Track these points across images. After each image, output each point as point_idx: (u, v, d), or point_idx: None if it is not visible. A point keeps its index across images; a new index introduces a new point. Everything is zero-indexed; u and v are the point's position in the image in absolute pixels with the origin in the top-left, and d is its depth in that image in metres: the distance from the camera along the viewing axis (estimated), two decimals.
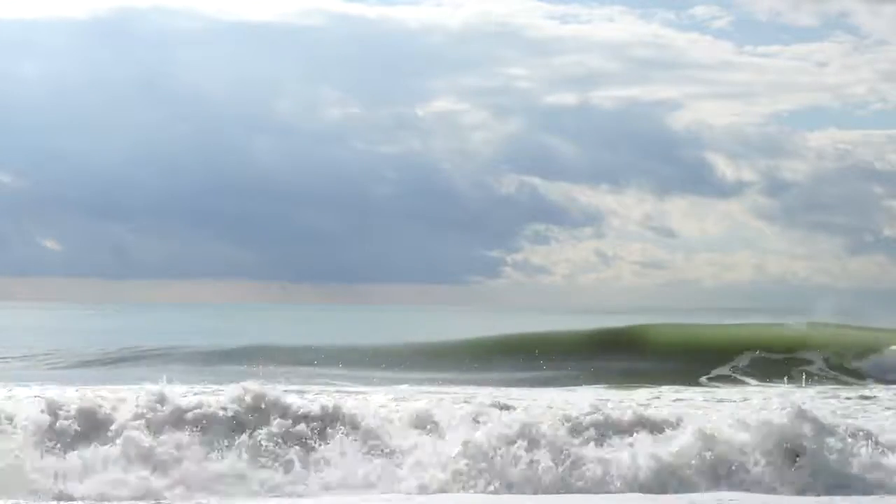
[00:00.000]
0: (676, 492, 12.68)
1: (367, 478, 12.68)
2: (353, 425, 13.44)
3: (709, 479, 12.94)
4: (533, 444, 13.00)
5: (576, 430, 13.53)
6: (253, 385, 13.76)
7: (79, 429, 12.97)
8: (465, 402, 16.44)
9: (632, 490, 12.69)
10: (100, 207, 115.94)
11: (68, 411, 13.13)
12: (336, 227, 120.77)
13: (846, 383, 27.06)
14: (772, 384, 26.07)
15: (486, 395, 20.14)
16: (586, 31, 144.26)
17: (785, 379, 24.48)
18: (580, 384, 25.07)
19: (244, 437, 13.09)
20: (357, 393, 19.19)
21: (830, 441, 13.32)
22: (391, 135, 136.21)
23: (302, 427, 13.31)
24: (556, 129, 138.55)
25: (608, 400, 17.24)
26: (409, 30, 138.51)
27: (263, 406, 13.54)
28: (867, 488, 12.92)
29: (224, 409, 13.44)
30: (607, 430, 13.64)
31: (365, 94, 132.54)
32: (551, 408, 15.14)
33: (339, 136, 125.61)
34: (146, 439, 12.80)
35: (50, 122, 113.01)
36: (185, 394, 14.31)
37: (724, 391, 24.21)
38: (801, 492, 12.81)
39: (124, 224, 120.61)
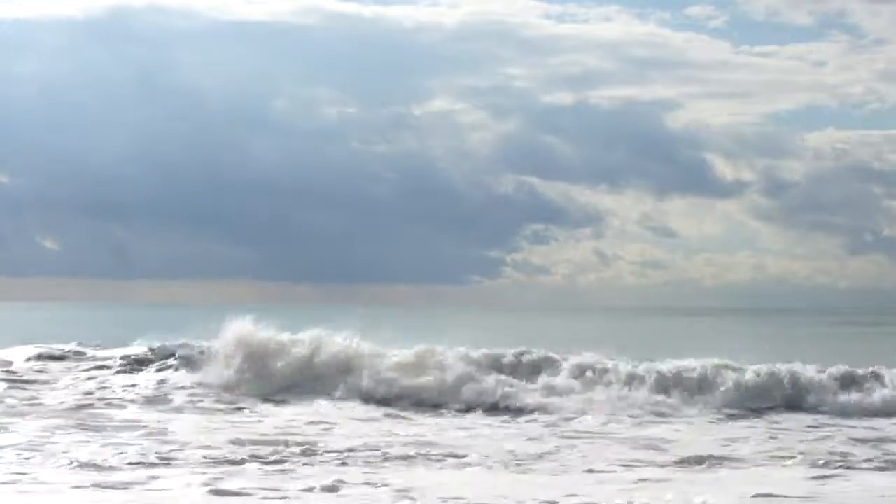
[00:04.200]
0: None
1: None
2: None
3: None
4: None
5: None
6: None
7: None
8: None
9: None
10: (98, 207, 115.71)
11: None
12: (335, 226, 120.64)
13: None
14: None
15: None
16: (583, 30, 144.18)
17: None
18: None
19: None
20: None
21: None
22: (388, 134, 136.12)
23: None
24: (553, 128, 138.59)
25: None
26: (405, 29, 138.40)
27: None
28: None
29: None
30: None
31: (362, 94, 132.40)
32: None
33: (336, 136, 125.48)
34: None
35: (47, 122, 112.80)
36: None
37: None
38: None
39: (123, 224, 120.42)
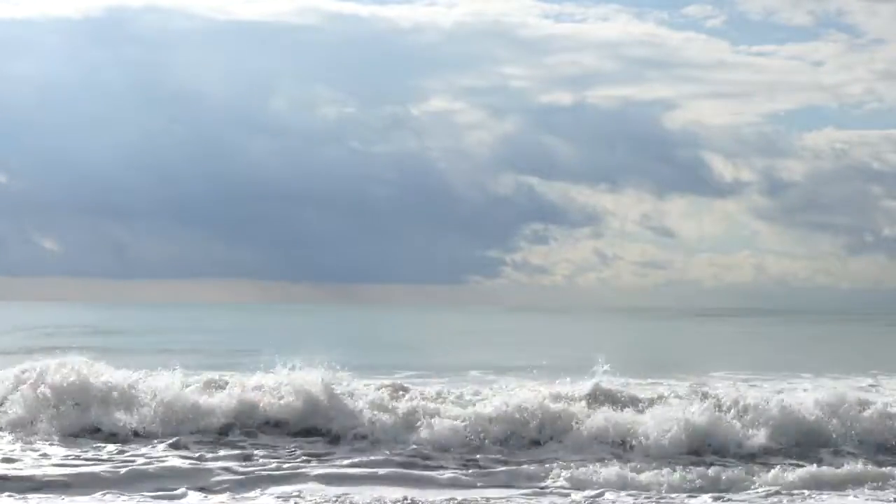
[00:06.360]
0: None
1: None
2: None
3: None
4: None
5: None
6: None
7: None
8: None
9: None
10: (98, 207, 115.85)
11: None
12: (335, 227, 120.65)
13: None
14: None
15: None
16: (581, 30, 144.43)
17: None
18: None
19: None
20: None
21: None
22: (387, 134, 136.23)
23: None
24: (552, 128, 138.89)
25: None
26: (403, 29, 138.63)
27: None
28: None
29: None
30: None
31: (360, 94, 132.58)
32: None
33: (335, 136, 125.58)
34: None
35: (45, 122, 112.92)
36: None
37: None
38: None
39: (123, 224, 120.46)
